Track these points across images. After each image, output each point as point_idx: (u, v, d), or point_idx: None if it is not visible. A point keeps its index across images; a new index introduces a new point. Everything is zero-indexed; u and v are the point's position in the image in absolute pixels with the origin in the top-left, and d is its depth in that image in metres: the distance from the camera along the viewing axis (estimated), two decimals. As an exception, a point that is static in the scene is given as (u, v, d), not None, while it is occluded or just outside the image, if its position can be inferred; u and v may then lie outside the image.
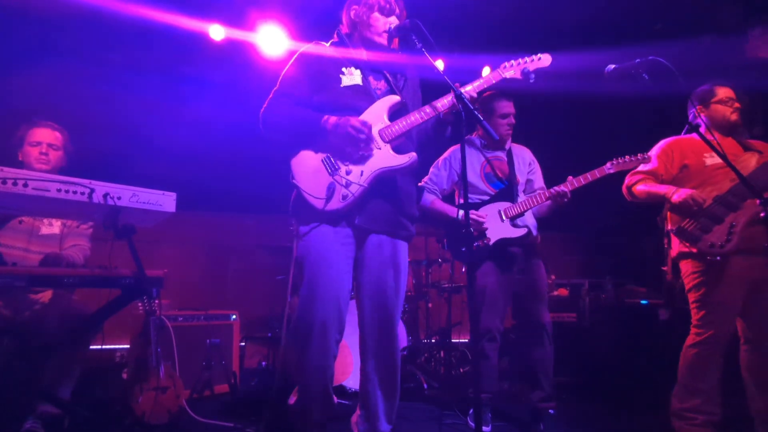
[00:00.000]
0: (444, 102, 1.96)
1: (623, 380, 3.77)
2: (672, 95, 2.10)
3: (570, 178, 2.67)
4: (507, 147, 3.02)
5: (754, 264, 2.40)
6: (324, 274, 1.95)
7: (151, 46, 4.35)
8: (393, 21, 2.07)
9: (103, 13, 3.86)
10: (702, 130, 2.54)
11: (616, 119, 5.07)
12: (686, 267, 2.55)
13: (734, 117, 2.60)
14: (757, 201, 2.05)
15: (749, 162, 2.46)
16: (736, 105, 2.62)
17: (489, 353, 2.81)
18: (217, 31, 4.37)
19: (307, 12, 4.37)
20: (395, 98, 2.04)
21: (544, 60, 2.05)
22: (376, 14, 2.07)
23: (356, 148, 1.94)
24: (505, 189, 2.89)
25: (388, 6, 2.07)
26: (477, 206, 2.87)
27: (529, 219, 2.90)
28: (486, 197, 2.90)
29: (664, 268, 2.76)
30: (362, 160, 1.96)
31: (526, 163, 3.06)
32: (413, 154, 1.98)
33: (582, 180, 2.65)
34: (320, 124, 1.94)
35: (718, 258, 2.39)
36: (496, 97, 2.95)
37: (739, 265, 2.39)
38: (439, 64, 4.47)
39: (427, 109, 1.98)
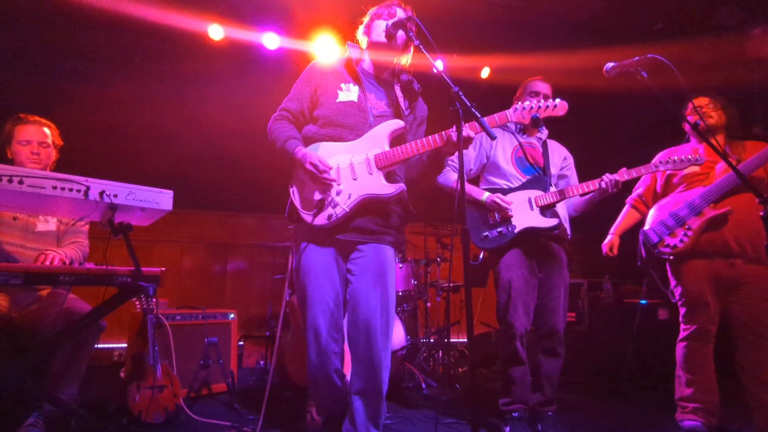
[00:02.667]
0: (443, 135, 1.97)
1: (622, 379, 3.77)
2: (672, 94, 2.09)
3: (623, 169, 2.53)
4: (543, 137, 2.88)
5: (717, 265, 2.59)
6: (311, 283, 2.04)
7: (151, 45, 4.35)
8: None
9: (103, 12, 3.85)
10: (691, 139, 2.86)
11: (616, 119, 5.07)
12: (668, 269, 2.78)
13: (701, 123, 2.67)
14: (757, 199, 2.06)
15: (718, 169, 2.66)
16: (705, 110, 2.72)
17: (523, 357, 2.60)
18: (216, 31, 4.36)
19: (307, 11, 4.37)
20: (397, 124, 2.06)
21: (560, 108, 2.00)
22: (377, 20, 2.12)
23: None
24: (538, 176, 2.71)
25: (387, 13, 2.11)
26: (505, 192, 2.69)
27: (561, 211, 2.73)
28: (515, 183, 2.73)
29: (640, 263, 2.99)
30: (353, 183, 2.00)
31: (561, 157, 2.90)
32: (401, 185, 2.01)
33: (634, 173, 2.53)
34: (293, 153, 2.02)
35: (672, 257, 2.67)
36: (533, 77, 2.82)
37: (701, 265, 2.61)
38: (439, 65, 4.46)
39: (428, 140, 2.00)
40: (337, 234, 2.04)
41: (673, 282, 2.75)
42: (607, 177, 2.52)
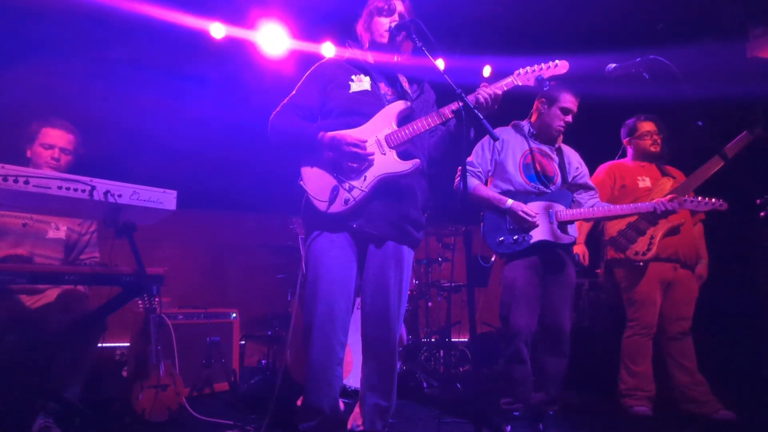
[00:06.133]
0: (452, 107, 1.96)
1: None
2: (673, 95, 2.10)
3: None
4: (557, 145, 2.85)
5: (665, 267, 2.99)
6: (323, 277, 1.99)
7: (152, 44, 4.35)
8: (395, 20, 2.10)
9: (105, 10, 3.86)
10: (630, 155, 3.23)
11: (617, 121, 5.07)
12: (618, 272, 3.13)
13: (654, 148, 3.12)
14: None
15: (665, 185, 3.03)
16: (656, 137, 3.11)
17: (525, 357, 2.58)
18: (217, 30, 4.37)
19: (308, 10, 4.38)
20: (403, 104, 2.06)
21: (561, 67, 2.02)
22: (377, 18, 2.13)
23: (357, 162, 1.98)
24: (563, 190, 2.72)
25: (387, 7, 2.11)
26: (513, 197, 2.65)
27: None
28: (519, 189, 2.69)
29: (598, 271, 3.39)
30: (366, 165, 1.98)
31: (573, 167, 2.88)
32: (417, 161, 1.99)
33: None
34: (316, 139, 1.99)
35: (641, 263, 2.97)
36: (565, 88, 2.73)
37: (655, 269, 2.97)
38: (440, 64, 4.47)
39: (434, 115, 1.99)
40: (353, 222, 1.99)
41: (624, 283, 3.08)
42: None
